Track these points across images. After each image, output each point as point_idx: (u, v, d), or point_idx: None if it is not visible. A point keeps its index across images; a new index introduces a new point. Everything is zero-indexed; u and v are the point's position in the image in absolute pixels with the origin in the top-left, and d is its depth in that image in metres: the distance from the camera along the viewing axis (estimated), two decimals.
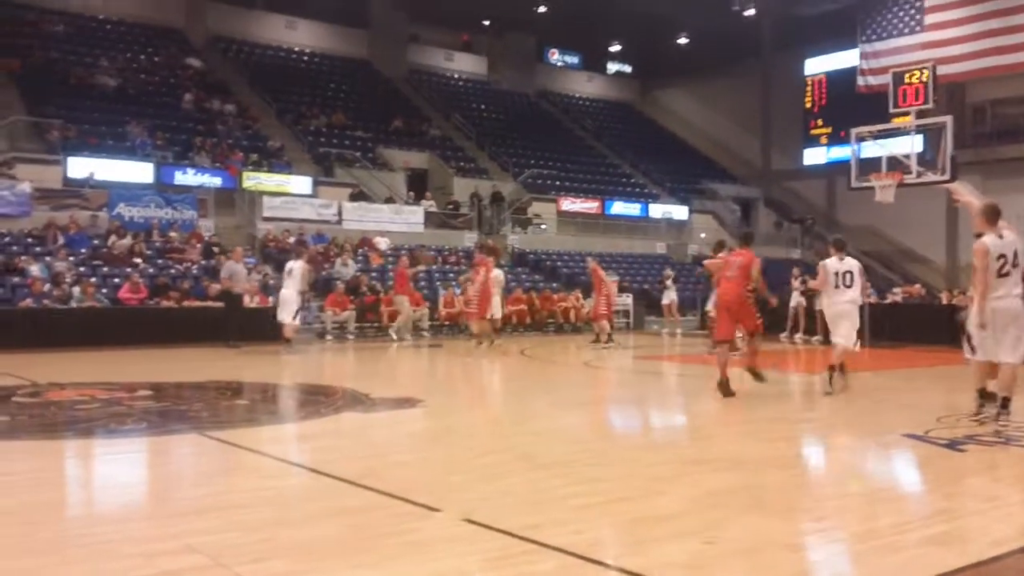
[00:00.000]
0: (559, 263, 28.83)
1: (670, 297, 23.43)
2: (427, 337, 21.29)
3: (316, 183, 27.33)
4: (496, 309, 17.96)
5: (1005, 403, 7.98)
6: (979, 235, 8.15)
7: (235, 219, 25.10)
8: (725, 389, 10.05)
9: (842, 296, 10.54)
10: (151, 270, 20.38)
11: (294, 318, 16.36)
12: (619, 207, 34.33)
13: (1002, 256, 7.86)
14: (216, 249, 22.03)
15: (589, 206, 33.53)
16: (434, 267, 24.90)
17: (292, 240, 23.93)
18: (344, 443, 7.55)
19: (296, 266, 16.60)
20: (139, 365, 14.01)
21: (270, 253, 23.25)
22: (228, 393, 10.93)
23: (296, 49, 37.20)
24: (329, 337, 20.17)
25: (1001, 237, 7.93)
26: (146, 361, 14.71)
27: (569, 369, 15.48)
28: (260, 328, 17.44)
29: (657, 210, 35.25)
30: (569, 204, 33.07)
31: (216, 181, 25.39)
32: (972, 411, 8.31)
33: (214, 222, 24.02)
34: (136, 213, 22.51)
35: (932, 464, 6.72)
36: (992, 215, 8.07)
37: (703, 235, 34.97)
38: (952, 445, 7.14)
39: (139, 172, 24.15)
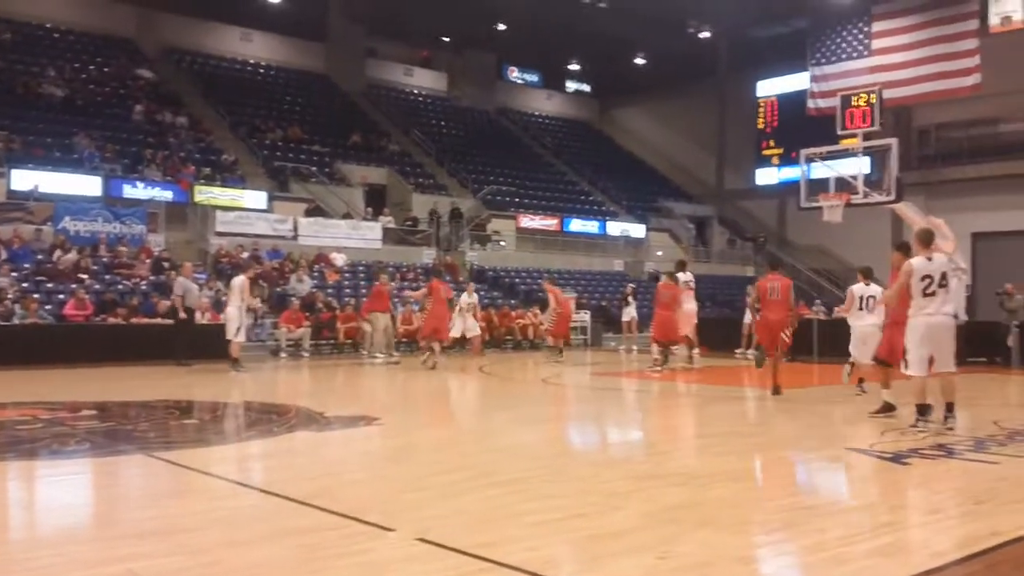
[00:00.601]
0: (517, 280, 28.89)
1: (631, 314, 23.51)
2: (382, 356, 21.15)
3: (271, 198, 27.10)
4: (456, 329, 18.10)
5: (950, 408, 8.72)
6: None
7: (186, 234, 24.79)
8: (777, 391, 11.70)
9: (865, 320, 11.71)
10: (98, 286, 19.99)
11: (236, 335, 16.04)
12: (577, 224, 34.55)
13: (927, 276, 8.50)
14: (166, 264, 21.72)
15: (548, 223, 33.69)
16: (392, 284, 24.76)
17: (245, 255, 23.70)
18: (297, 462, 7.46)
19: (236, 281, 16.39)
20: (84, 384, 13.71)
21: (223, 269, 22.98)
22: (177, 412, 10.73)
23: (252, 62, 36.96)
24: (283, 355, 19.96)
25: (930, 260, 8.58)
26: (92, 380, 14.40)
27: (527, 386, 15.49)
28: (212, 345, 17.18)
29: (615, 228, 35.52)
30: (528, 221, 33.19)
31: (167, 195, 25.06)
32: (911, 423, 8.80)
33: (164, 237, 23.69)
34: (83, 227, 22.09)
35: (877, 477, 6.87)
36: (926, 239, 8.74)
37: (659, 253, 35.32)
38: (896, 458, 7.29)
39: (86, 185, 23.75)
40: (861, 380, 12.05)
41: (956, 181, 31.43)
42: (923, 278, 8.52)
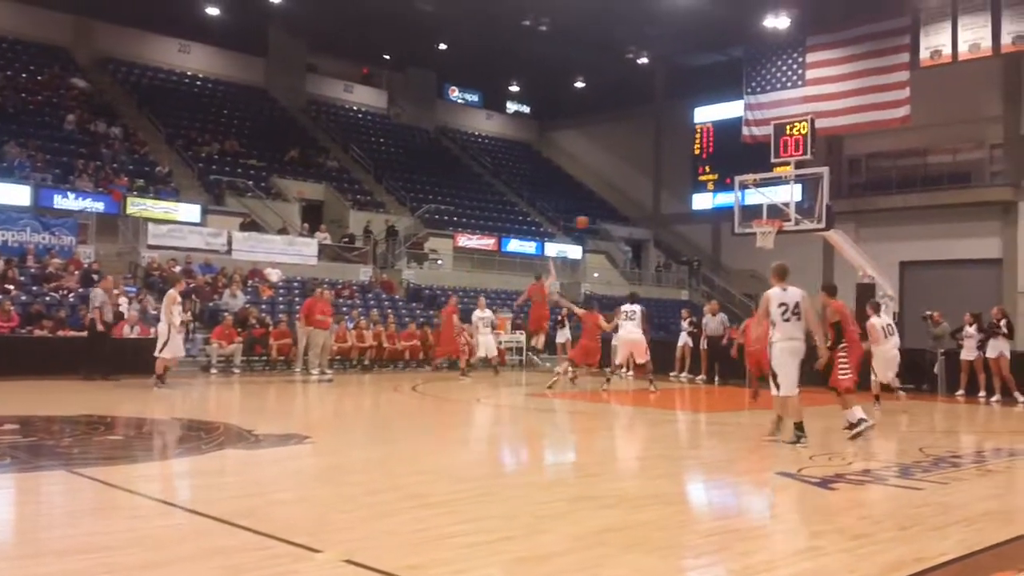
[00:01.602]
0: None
1: (565, 336, 23.61)
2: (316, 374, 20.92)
3: (205, 211, 26.68)
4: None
5: (799, 427, 9.53)
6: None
7: (118, 246, 24.25)
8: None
9: (889, 343, 13.89)
10: (24, 297, 19.42)
11: (161, 351, 15.59)
12: (515, 244, 34.64)
13: (783, 304, 9.49)
14: (96, 277, 21.19)
15: (485, 243, 33.72)
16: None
17: (177, 269, 23.27)
18: (223, 481, 7.33)
19: (165, 296, 16.07)
20: (7, 397, 13.25)
21: (153, 282, 22.52)
22: (102, 428, 10.45)
23: (189, 74, 36.47)
24: (214, 371, 19.60)
25: (785, 290, 9.57)
26: (15, 393, 13.95)
27: (461, 405, 15.43)
28: (140, 360, 16.77)
29: (552, 248, 35.68)
30: (466, 240, 33.19)
31: (99, 206, 24.49)
32: (792, 440, 9.48)
33: (95, 248, 23.15)
34: (11, 237, 21.50)
35: (804, 502, 6.97)
36: (781, 273, 9.74)
37: (596, 275, 35.60)
38: (823, 483, 7.42)
39: (15, 194, 23.06)
40: (878, 398, 14.01)
41: (885, 210, 32.32)
42: (779, 305, 9.47)
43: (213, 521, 5.52)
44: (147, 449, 9.62)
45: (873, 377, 14.22)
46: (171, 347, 15.57)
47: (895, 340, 14.07)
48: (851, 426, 10.23)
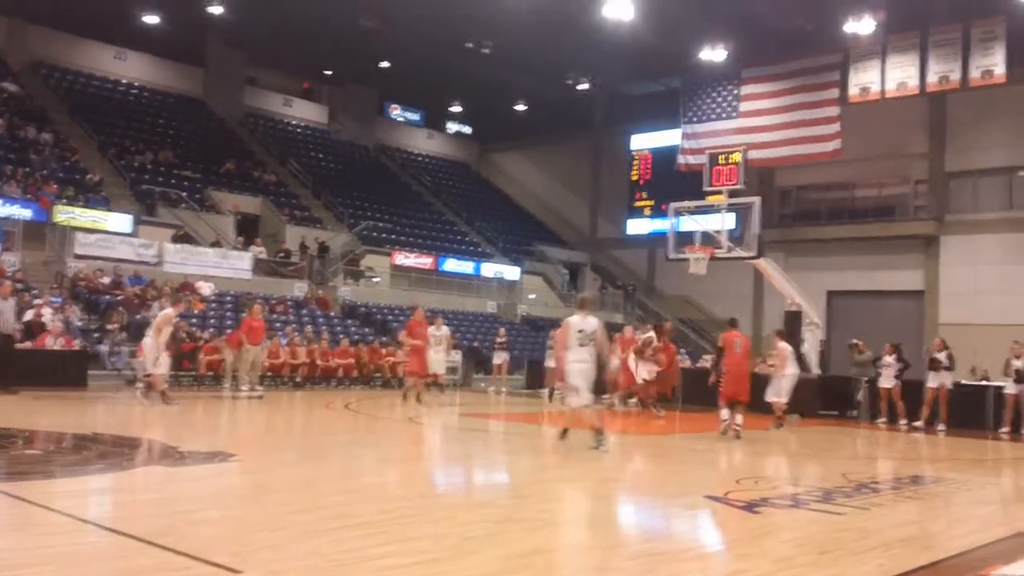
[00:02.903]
0: (390, 317, 28.67)
1: (503, 357, 23.61)
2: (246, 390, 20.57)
3: (137, 221, 26.15)
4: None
5: (599, 431, 11.00)
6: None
7: (44, 254, 23.66)
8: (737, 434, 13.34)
9: (793, 369, 15.48)
10: None
11: (155, 367, 15.17)
12: (453, 264, 34.62)
13: (581, 331, 10.96)
14: (19, 286, 20.59)
15: (423, 261, 33.65)
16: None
17: (106, 280, 22.74)
18: (144, 498, 7.15)
19: (161, 313, 15.70)
20: None
21: (80, 293, 21.99)
22: (18, 442, 10.13)
23: (124, 82, 35.84)
24: (140, 385, 19.09)
25: (584, 319, 11.06)
26: None
27: (393, 424, 15.31)
28: (63, 372, 16.31)
29: (489, 269, 35.77)
30: (403, 258, 33.07)
31: (26, 213, 23.86)
32: (592, 446, 10.77)
33: (20, 257, 22.52)
34: None
35: (729, 525, 7.07)
36: (582, 303, 11.68)
37: (532, 296, 35.76)
38: (749, 507, 7.54)
39: None
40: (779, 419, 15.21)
41: (814, 241, 33.14)
42: (578, 332, 10.95)
43: (130, 540, 5.38)
44: (66, 464, 9.33)
45: (774, 399, 15.28)
46: (162, 363, 15.23)
47: (795, 370, 15.43)
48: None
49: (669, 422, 16.64)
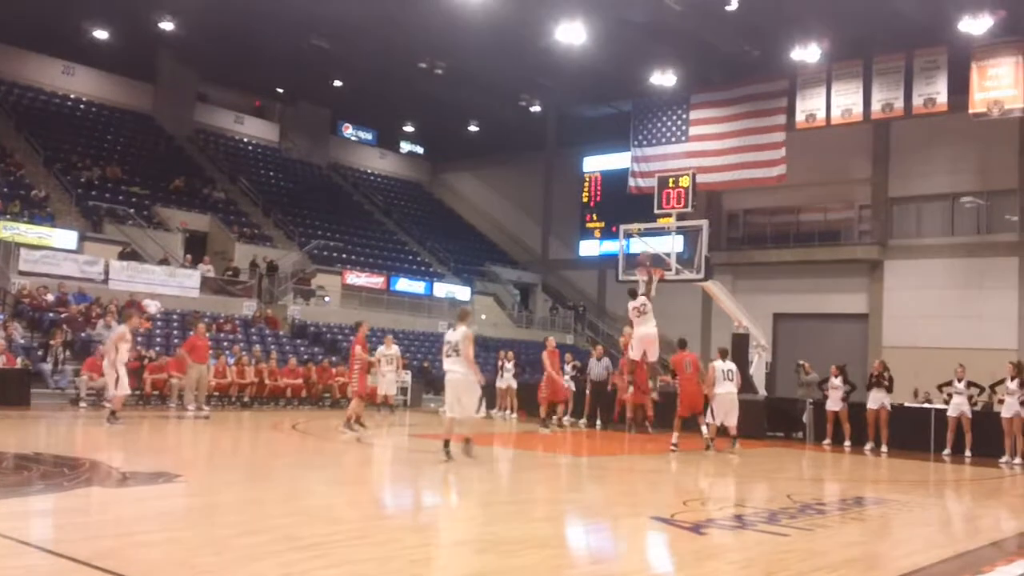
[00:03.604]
0: (340, 336, 28.46)
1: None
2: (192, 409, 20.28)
3: (82, 238, 25.73)
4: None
5: (467, 441, 11.44)
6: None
7: None
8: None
9: (726, 387, 14.85)
10: None
11: (115, 388, 14.99)
12: (404, 284, 34.53)
13: (448, 342, 11.47)
14: None
15: (374, 281, 33.51)
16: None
17: (50, 297, 22.31)
18: (86, 520, 7.03)
19: (114, 332, 15.45)
20: None
21: (23, 310, 21.53)
22: None
23: (73, 96, 35.35)
24: (84, 404, 18.77)
25: (454, 331, 11.51)
26: None
27: (341, 446, 15.19)
28: (1, 390, 15.96)
29: (441, 289, 35.74)
30: (354, 278, 32.90)
31: None
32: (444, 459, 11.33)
33: None
34: None
35: (676, 546, 7.12)
36: (462, 315, 11.92)
37: (483, 316, 35.74)
38: (695, 528, 7.62)
39: None
40: (734, 439, 14.98)
41: (760, 264, 33.68)
42: (447, 343, 11.44)
43: (71, 562, 5.30)
44: (6, 485, 9.11)
45: (710, 420, 14.97)
46: (123, 384, 15.04)
47: (733, 388, 15.02)
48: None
49: (617, 443, 16.70)
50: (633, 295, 17.43)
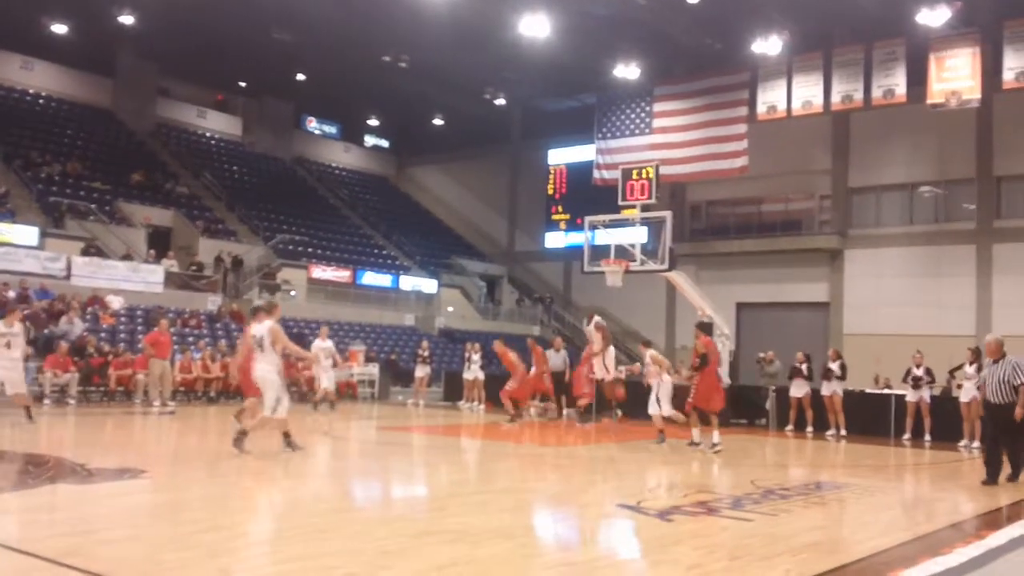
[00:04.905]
0: (307, 331, 28.30)
1: (425, 370, 23.35)
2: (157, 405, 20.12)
3: (43, 234, 25.35)
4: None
5: (287, 438, 11.16)
6: None
7: None
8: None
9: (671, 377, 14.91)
10: None
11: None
12: (370, 277, 34.43)
13: (255, 336, 10.84)
14: None
15: (341, 275, 33.38)
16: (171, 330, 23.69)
17: (11, 295, 21.99)
18: (50, 517, 7.00)
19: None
20: None
21: None
22: None
23: (31, 91, 34.84)
24: (47, 401, 18.57)
25: (261, 324, 10.86)
26: None
27: (308, 439, 15.15)
28: None
29: (407, 282, 35.69)
30: (320, 272, 32.76)
31: None
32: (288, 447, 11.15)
33: None
34: None
35: (642, 533, 7.23)
36: (269, 308, 11.22)
37: (450, 308, 35.79)
38: (661, 515, 7.73)
39: None
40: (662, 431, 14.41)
41: (723, 254, 33.98)
42: (253, 336, 10.86)
43: (36, 559, 5.28)
44: None
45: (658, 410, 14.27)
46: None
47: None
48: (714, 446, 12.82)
49: (581, 432, 16.82)
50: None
